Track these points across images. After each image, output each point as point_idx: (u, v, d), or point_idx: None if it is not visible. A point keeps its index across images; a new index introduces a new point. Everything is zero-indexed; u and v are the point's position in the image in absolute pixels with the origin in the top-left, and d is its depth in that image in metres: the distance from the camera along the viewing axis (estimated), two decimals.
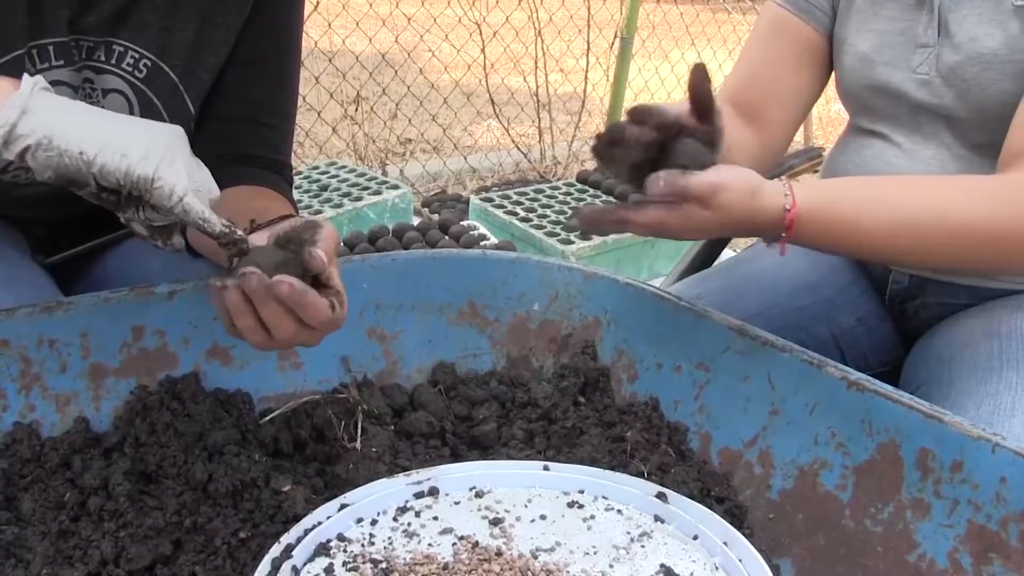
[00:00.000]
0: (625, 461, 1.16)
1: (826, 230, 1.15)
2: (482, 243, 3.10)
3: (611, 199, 3.65)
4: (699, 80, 1.07)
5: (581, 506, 1.04)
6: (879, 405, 1.02)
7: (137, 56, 1.26)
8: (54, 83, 1.20)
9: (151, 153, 0.91)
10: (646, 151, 1.09)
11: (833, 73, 1.53)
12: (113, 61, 1.25)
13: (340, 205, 3.39)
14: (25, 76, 0.92)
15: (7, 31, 1.14)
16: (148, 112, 1.29)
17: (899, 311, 1.49)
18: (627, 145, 1.08)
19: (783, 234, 1.13)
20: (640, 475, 1.11)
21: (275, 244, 1.02)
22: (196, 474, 1.05)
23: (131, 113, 1.29)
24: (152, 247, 1.28)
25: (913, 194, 1.18)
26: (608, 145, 1.09)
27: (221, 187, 1.28)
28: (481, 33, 4.64)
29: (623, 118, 1.10)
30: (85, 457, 1.08)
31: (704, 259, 1.70)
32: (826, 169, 1.57)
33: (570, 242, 3.14)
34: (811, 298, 1.48)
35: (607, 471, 1.08)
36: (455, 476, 1.07)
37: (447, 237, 3.17)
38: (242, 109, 1.37)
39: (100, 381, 1.14)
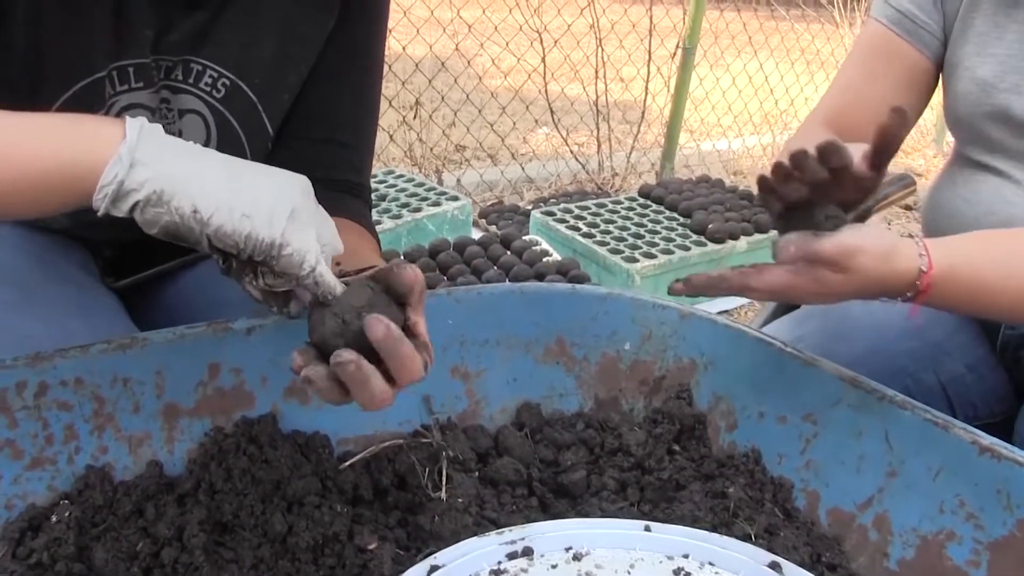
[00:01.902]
0: (728, 520, 1.08)
1: (961, 292, 1.08)
2: (545, 259, 3.03)
3: (675, 215, 3.57)
4: (898, 126, 0.97)
5: (688, 574, 0.96)
6: (1019, 476, 0.94)
7: (216, 75, 1.20)
8: (132, 106, 1.16)
9: (277, 213, 0.84)
10: (809, 192, 1.02)
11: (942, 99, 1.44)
12: (191, 80, 1.20)
13: (399, 216, 3.34)
14: (129, 119, 0.85)
15: (90, 52, 1.09)
16: (225, 133, 1.24)
17: (1012, 359, 1.40)
18: (797, 180, 1.01)
19: (916, 296, 1.06)
20: (746, 538, 1.03)
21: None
22: (275, 526, 1.00)
23: (207, 134, 1.23)
24: None
25: None
26: (785, 178, 1.02)
27: None
28: (541, 40, 4.57)
29: (812, 154, 1.00)
30: (159, 504, 1.02)
31: None
32: (930, 202, 1.48)
33: (634, 260, 3.07)
34: (917, 342, 1.39)
35: (712, 533, 1.01)
36: (550, 535, 1.00)
37: (509, 252, 3.10)
38: (322, 129, 1.31)
39: (174, 422, 1.08)
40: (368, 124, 1.37)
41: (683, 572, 0.97)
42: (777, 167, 1.02)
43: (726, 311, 3.18)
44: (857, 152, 1.00)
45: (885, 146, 0.99)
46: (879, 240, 1.03)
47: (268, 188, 0.86)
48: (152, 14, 1.12)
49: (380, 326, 0.86)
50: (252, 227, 0.82)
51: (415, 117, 4.48)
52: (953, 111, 1.40)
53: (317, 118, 1.31)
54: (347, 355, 0.86)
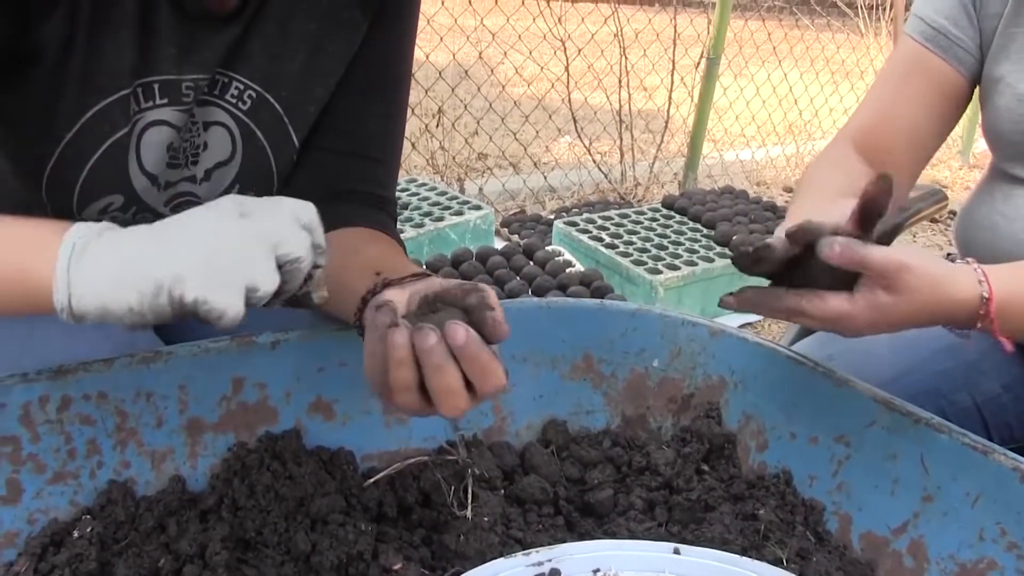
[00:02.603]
0: (759, 543, 1.06)
1: None
2: (568, 270, 3.01)
3: (699, 226, 3.55)
4: (882, 194, 0.94)
5: None
6: None
7: (242, 87, 1.19)
8: (156, 122, 1.15)
9: (210, 272, 0.84)
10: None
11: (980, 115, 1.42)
12: (216, 92, 1.19)
13: (421, 225, 3.33)
14: (64, 236, 0.85)
15: (117, 70, 1.08)
16: (250, 145, 1.22)
17: None
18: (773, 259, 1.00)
19: (979, 324, 1.03)
20: (778, 562, 1.01)
21: (422, 312, 0.94)
22: (299, 544, 0.98)
23: (232, 146, 1.22)
24: None
25: None
26: (753, 263, 1.00)
27: (325, 226, 1.21)
28: (565, 49, 4.55)
29: (782, 237, 0.99)
30: (181, 519, 1.01)
31: None
32: (966, 218, 1.45)
33: (658, 272, 3.05)
34: (952, 362, 1.37)
35: (743, 558, 0.99)
36: (578, 556, 0.98)
37: (532, 263, 3.09)
38: (348, 142, 1.30)
39: (197, 437, 1.07)
40: (394, 139, 1.35)
41: None
42: (743, 257, 1.02)
43: (749, 324, 3.16)
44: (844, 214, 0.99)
45: (868, 212, 0.96)
46: (929, 263, 1.00)
47: (186, 251, 0.85)
48: (179, 31, 1.11)
49: (460, 331, 0.85)
50: (180, 293, 0.83)
51: (438, 125, 4.47)
52: (993, 127, 1.38)
53: (344, 131, 1.29)
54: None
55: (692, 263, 3.15)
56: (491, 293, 0.92)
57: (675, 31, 4.75)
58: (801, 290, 1.02)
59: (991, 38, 1.36)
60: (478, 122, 4.60)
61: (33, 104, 1.07)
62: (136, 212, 1.22)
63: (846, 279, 1.00)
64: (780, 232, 1.04)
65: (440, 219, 3.40)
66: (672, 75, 4.79)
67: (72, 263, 0.84)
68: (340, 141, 1.30)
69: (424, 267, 2.89)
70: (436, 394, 0.87)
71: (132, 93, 1.10)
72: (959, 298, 1.02)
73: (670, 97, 4.86)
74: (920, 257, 0.99)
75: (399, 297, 0.97)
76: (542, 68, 4.66)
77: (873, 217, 0.97)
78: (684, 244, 3.34)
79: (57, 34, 1.03)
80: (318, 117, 1.27)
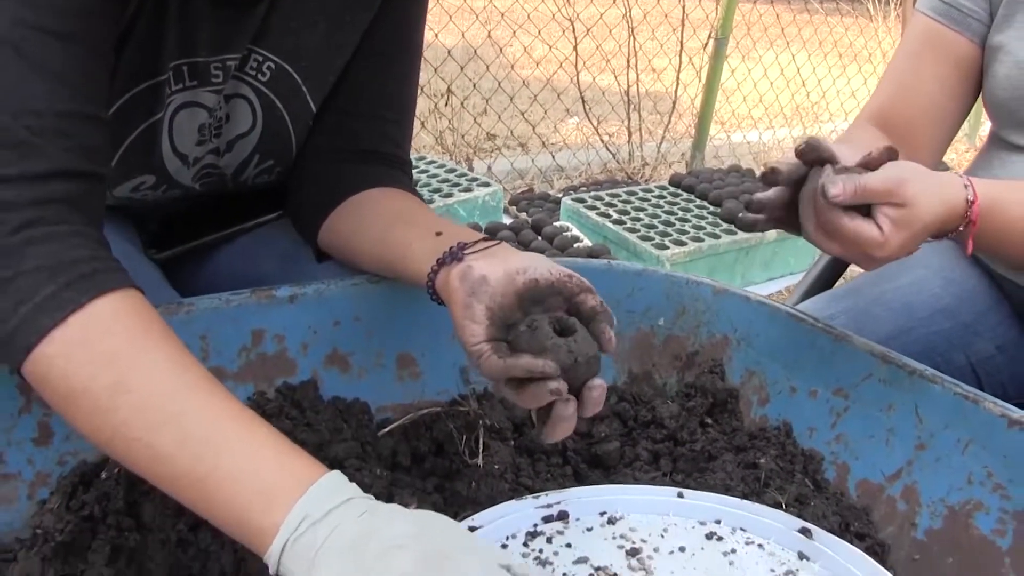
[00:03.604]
0: (759, 490, 1.10)
1: (1009, 224, 1.11)
2: (576, 245, 3.05)
3: (705, 203, 3.58)
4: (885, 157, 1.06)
5: (720, 538, 0.98)
6: None
7: (261, 59, 1.22)
8: (188, 104, 1.18)
9: None
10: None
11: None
12: (237, 65, 1.22)
13: (431, 201, 3.36)
14: (289, 514, 0.79)
15: (158, 55, 1.10)
16: (269, 114, 1.26)
17: None
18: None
19: (967, 226, 1.08)
20: (777, 506, 1.05)
21: (530, 297, 0.96)
22: None
23: (253, 117, 1.25)
24: (266, 246, 1.26)
25: None
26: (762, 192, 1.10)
27: (346, 188, 1.24)
28: (574, 29, 4.58)
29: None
30: None
31: (828, 278, 1.63)
32: None
33: (664, 247, 3.08)
34: (948, 323, 1.40)
35: (744, 501, 1.03)
36: (585, 500, 1.03)
37: (540, 238, 3.12)
38: (365, 103, 1.32)
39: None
40: (410, 101, 1.38)
41: (715, 537, 0.99)
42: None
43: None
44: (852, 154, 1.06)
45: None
46: (921, 171, 1.06)
47: None
48: (213, 16, 1.12)
49: (601, 394, 0.93)
50: None
51: (446, 104, 4.49)
52: (993, 94, 1.41)
53: (360, 92, 1.31)
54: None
55: (699, 239, 3.18)
56: (586, 285, 0.98)
57: (683, 12, 4.77)
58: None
59: (998, 7, 1.39)
60: (487, 102, 4.62)
61: None
62: (167, 189, 1.26)
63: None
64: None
65: (449, 195, 3.43)
66: (680, 56, 4.81)
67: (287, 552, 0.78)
68: (358, 103, 1.32)
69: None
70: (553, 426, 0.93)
71: (167, 78, 1.13)
72: (952, 202, 1.07)
73: (678, 78, 4.87)
74: (910, 169, 1.05)
75: (491, 271, 0.96)
76: (550, 48, 4.69)
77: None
78: (691, 221, 3.37)
79: (127, 16, 1.05)
80: (337, 82, 1.31)
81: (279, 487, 0.80)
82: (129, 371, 0.84)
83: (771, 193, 1.11)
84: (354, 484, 0.82)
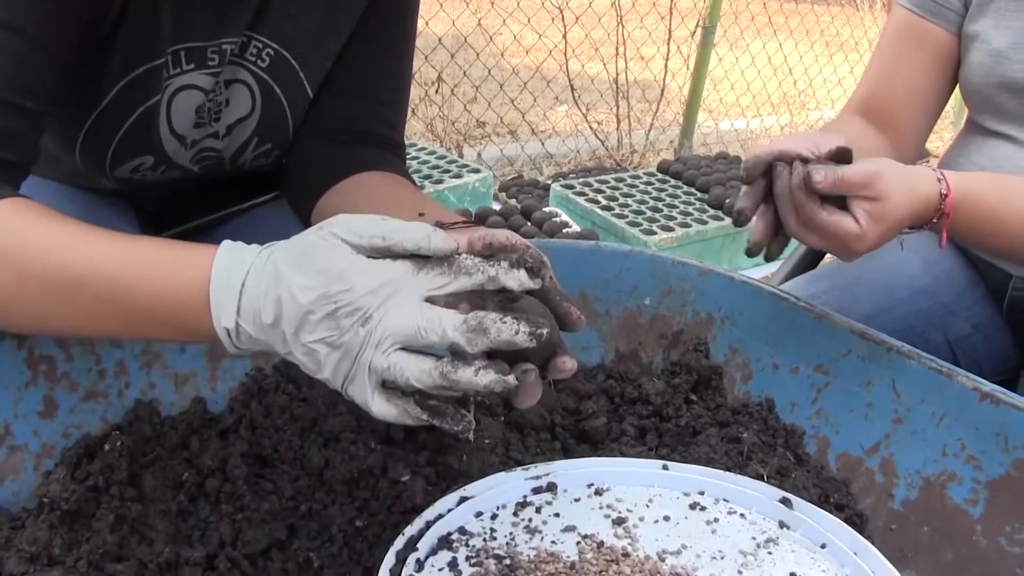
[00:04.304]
0: (742, 463, 1.13)
1: (979, 216, 1.15)
2: (564, 231, 3.08)
3: (693, 190, 3.62)
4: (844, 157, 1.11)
5: (703, 508, 1.02)
6: (1017, 419, 0.99)
7: (261, 46, 1.24)
8: (185, 87, 1.20)
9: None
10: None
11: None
12: (236, 51, 1.24)
13: (421, 187, 3.39)
14: (215, 256, 0.85)
15: (156, 39, 1.13)
16: (268, 100, 1.28)
17: (1018, 320, 1.45)
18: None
19: (941, 219, 1.13)
20: (759, 478, 1.09)
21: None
22: (313, 460, 1.05)
23: (252, 102, 1.28)
24: (262, 226, 1.28)
25: None
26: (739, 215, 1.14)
27: (340, 170, 1.27)
28: (563, 18, 4.61)
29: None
30: (203, 437, 1.08)
31: (811, 259, 1.67)
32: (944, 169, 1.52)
33: (652, 232, 3.12)
34: (927, 302, 1.44)
35: (727, 473, 1.06)
36: (573, 472, 1.06)
37: (530, 223, 3.16)
38: (360, 85, 1.34)
39: (217, 362, 1.14)
40: (405, 84, 1.40)
41: (699, 507, 1.02)
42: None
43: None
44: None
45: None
46: (894, 166, 1.11)
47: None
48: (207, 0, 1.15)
49: (570, 363, 0.93)
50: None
51: (437, 92, 4.52)
52: (968, 81, 1.45)
53: (355, 74, 1.33)
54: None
55: (686, 224, 3.22)
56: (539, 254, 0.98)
57: (671, 0, 4.80)
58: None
59: None
60: (476, 89, 4.65)
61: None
62: (165, 170, 1.28)
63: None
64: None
65: (439, 182, 3.46)
66: (668, 44, 4.84)
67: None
68: (353, 84, 1.34)
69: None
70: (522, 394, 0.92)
71: (164, 61, 1.16)
72: (924, 194, 1.12)
73: (666, 66, 4.91)
74: (884, 163, 1.10)
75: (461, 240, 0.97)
76: (540, 36, 4.72)
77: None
78: (678, 207, 3.41)
79: (115, 7, 1.07)
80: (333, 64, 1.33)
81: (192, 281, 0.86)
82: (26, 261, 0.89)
83: (749, 200, 1.14)
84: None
